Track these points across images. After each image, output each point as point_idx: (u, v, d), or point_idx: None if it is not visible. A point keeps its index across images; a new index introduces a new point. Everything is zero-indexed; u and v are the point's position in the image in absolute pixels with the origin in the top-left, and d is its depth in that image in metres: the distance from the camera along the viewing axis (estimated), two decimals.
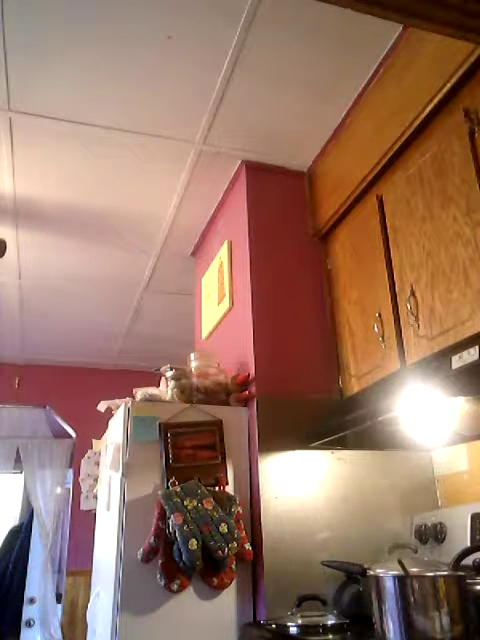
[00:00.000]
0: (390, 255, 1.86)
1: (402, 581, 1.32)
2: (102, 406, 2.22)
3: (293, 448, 1.95)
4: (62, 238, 3.00)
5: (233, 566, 1.78)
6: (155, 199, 2.70)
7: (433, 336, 1.61)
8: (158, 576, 1.72)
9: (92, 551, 2.35)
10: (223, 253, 2.57)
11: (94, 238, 3.02)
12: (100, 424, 2.39)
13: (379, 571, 1.41)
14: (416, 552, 1.70)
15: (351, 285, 2.11)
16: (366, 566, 1.50)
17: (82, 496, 3.99)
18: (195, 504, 1.76)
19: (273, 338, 2.13)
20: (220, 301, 2.53)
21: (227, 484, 1.91)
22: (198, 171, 2.50)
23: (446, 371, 1.47)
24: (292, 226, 2.39)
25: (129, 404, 1.95)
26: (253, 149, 2.39)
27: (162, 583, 1.71)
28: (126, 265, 3.28)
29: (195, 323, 2.96)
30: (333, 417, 1.87)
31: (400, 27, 1.83)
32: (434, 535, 1.81)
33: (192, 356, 2.25)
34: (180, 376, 2.08)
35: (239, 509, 1.83)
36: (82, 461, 4.19)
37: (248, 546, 1.81)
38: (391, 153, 1.88)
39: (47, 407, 4.67)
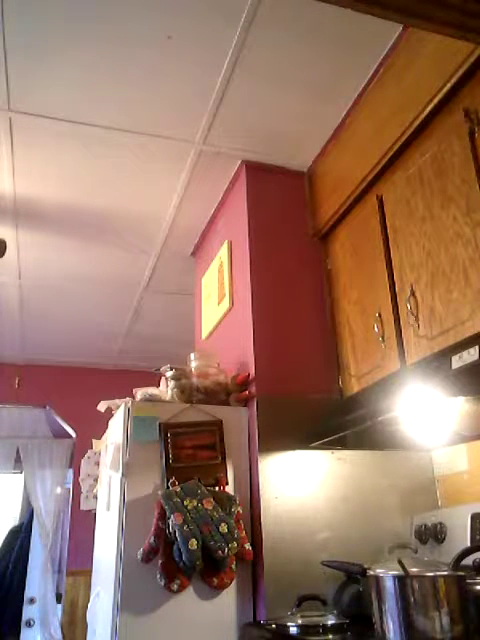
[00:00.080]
0: (390, 255, 1.86)
1: (402, 581, 1.32)
2: (102, 406, 2.22)
3: (293, 448, 1.95)
4: (62, 238, 3.00)
5: (233, 566, 1.78)
6: (155, 199, 2.70)
7: (433, 336, 1.61)
8: (158, 576, 1.72)
9: (92, 551, 2.35)
10: (223, 253, 2.57)
11: (94, 238, 3.02)
12: (100, 424, 2.39)
13: (379, 571, 1.41)
14: (416, 552, 1.70)
15: (351, 285, 2.11)
16: (366, 566, 1.50)
17: (82, 496, 3.99)
18: (195, 504, 1.76)
19: (273, 338, 2.13)
20: (220, 301, 2.53)
21: (227, 484, 1.91)
22: (198, 171, 2.50)
23: (446, 371, 1.47)
24: (292, 226, 2.39)
25: (129, 404, 1.95)
26: (253, 149, 2.39)
27: (162, 583, 1.71)
28: (126, 265, 3.28)
29: (195, 323, 2.96)
30: (333, 417, 1.87)
31: (400, 27, 1.83)
32: (434, 535, 1.81)
33: (192, 356, 2.25)
34: (180, 376, 2.08)
35: (239, 509, 1.83)
36: (82, 461, 4.19)
37: (248, 546, 1.81)
38: (391, 153, 1.88)
39: (47, 407, 4.67)
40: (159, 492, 1.80)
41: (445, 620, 1.27)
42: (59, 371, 4.72)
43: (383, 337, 1.83)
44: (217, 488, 1.87)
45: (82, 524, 3.78)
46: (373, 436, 1.87)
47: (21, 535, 4.54)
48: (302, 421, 1.97)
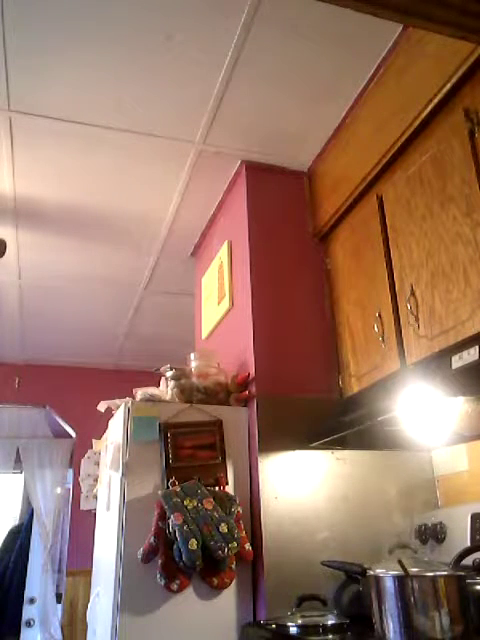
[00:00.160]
0: (390, 255, 1.86)
1: (402, 581, 1.32)
2: (102, 406, 2.22)
3: (293, 448, 1.95)
4: (62, 238, 3.00)
5: (233, 566, 1.78)
6: (155, 199, 2.70)
7: (433, 336, 1.61)
8: (158, 576, 1.72)
9: (92, 551, 2.35)
10: (223, 253, 2.57)
11: (94, 238, 3.02)
12: (100, 424, 2.39)
13: (379, 571, 1.41)
14: (416, 552, 1.70)
15: (351, 285, 2.11)
16: (366, 566, 1.51)
17: (82, 496, 4.00)
18: (195, 504, 1.76)
19: (273, 338, 2.13)
20: (220, 301, 2.53)
21: (227, 484, 1.91)
22: (198, 171, 2.50)
23: (446, 371, 1.47)
24: (292, 226, 2.39)
25: (129, 404, 1.95)
26: (253, 149, 2.39)
27: (162, 583, 1.71)
28: (126, 265, 3.28)
29: (195, 323, 2.96)
30: (333, 417, 1.87)
31: (400, 27, 1.83)
32: (434, 535, 1.81)
33: (192, 356, 2.25)
34: (180, 376, 2.08)
35: (239, 509, 1.83)
36: (82, 461, 4.20)
37: (248, 546, 1.81)
38: (391, 153, 1.88)
39: (47, 407, 4.67)
40: (159, 492, 1.80)
41: (445, 620, 1.27)
42: (59, 371, 4.72)
43: (383, 337, 1.83)
44: (217, 488, 1.87)
45: (82, 524, 3.78)
46: (373, 436, 1.87)
47: (21, 535, 4.55)
48: (302, 421, 1.97)
